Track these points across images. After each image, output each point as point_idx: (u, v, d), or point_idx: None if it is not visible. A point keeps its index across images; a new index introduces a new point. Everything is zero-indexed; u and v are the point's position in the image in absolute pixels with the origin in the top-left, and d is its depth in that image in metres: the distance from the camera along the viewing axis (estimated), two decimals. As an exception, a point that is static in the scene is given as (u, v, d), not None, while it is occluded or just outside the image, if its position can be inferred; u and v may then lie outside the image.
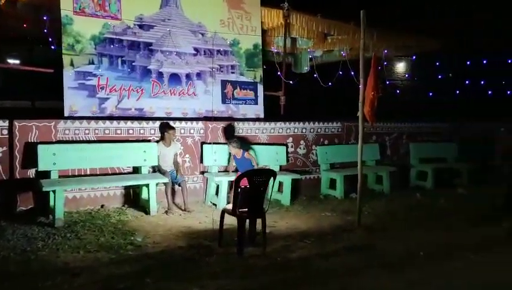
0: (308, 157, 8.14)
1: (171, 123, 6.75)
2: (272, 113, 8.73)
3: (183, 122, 6.97)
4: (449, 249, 5.12)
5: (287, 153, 7.79)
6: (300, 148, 8.03)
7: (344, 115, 8.43)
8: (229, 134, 7.20)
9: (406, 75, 20.08)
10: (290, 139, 7.92)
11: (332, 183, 7.92)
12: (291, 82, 9.10)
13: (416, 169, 9.08)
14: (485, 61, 10.84)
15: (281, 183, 7.32)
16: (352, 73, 6.41)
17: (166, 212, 6.29)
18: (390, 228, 5.96)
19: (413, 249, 5.06)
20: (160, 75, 7.36)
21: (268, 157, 7.52)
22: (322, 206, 7.16)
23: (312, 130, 8.16)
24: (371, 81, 5.73)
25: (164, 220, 6.01)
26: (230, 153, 6.83)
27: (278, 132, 7.81)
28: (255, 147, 7.34)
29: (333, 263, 4.51)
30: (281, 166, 7.63)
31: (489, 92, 11.45)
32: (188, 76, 7.57)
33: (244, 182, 4.72)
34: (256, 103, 8.31)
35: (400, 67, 20.00)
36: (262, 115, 8.36)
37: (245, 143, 7.11)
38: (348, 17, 8.42)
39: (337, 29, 8.90)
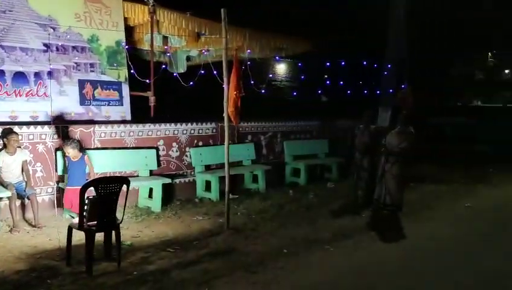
0: (182, 159, 7.85)
1: (17, 128, 5.92)
2: (143, 115, 8.24)
3: (32, 127, 6.16)
4: (310, 243, 5.27)
5: (158, 156, 7.41)
6: (173, 150, 7.70)
7: (218, 116, 8.32)
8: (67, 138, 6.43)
9: (288, 77, 20.96)
10: (161, 142, 7.54)
11: (208, 186, 7.76)
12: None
13: (291, 166, 9.37)
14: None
15: (152, 189, 6.94)
16: (215, 72, 6.31)
17: (11, 230, 5.49)
18: (260, 227, 5.97)
19: (277, 247, 5.11)
20: (1, 73, 6.43)
21: (136, 162, 7.08)
22: (195, 210, 6.95)
23: (185, 132, 7.89)
24: (233, 81, 5.66)
25: (5, 240, 5.22)
26: (65, 158, 6.15)
27: (148, 135, 7.39)
28: (117, 151, 6.84)
29: (192, 272, 4.30)
30: (151, 171, 7.24)
31: (349, 92, 12.38)
32: (37, 75, 6.74)
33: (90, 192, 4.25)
34: (122, 104, 7.76)
35: (281, 68, 20.88)
36: (128, 117, 7.83)
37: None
38: (219, 16, 8.32)
39: (209, 28, 8.73)
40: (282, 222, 6.19)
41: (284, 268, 4.47)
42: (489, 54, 35.80)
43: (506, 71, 40.85)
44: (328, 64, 9.82)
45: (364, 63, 10.05)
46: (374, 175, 6.99)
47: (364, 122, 7.31)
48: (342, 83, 11.12)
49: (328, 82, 11.53)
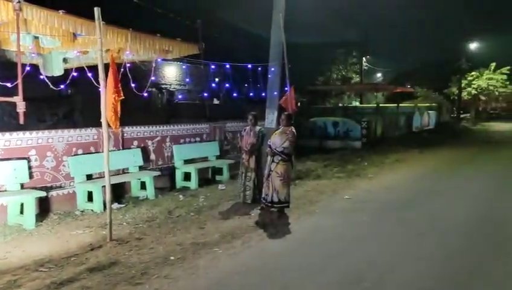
0: (59, 170, 7.21)
1: None
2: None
3: None
4: (198, 247, 5.21)
5: (30, 168, 6.70)
6: (47, 160, 7.03)
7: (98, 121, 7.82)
8: None
9: (179, 79, 20.67)
10: (33, 152, 6.84)
11: (90, 196, 7.24)
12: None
13: (181, 170, 9.21)
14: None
15: (23, 205, 6.25)
16: (90, 74, 5.92)
17: None
18: (147, 236, 5.73)
19: (164, 255, 4.95)
20: None
21: (3, 175, 6.31)
22: (75, 224, 6.43)
23: (61, 139, 7.26)
24: (110, 84, 5.36)
25: None
26: None
27: (16, 144, 6.64)
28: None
29: (68, 291, 3.95)
30: (22, 184, 6.52)
31: (252, 95, 12.70)
32: None
33: None
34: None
35: (171, 71, 20.52)
36: (-8, 125, 6.99)
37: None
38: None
39: (85, 28, 8.15)
40: (171, 228, 6.03)
41: (169, 276, 4.34)
42: (364, 58, 39.59)
43: (378, 74, 45.55)
44: (213, 67, 9.89)
45: (249, 66, 10.33)
46: (261, 175, 7.22)
47: (249, 124, 7.49)
48: (228, 85, 11.29)
49: (218, 85, 11.61)
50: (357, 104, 32.72)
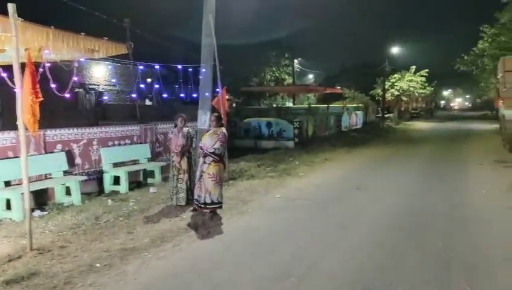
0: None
1: None
2: None
3: None
4: (127, 253, 5.07)
5: None
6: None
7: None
8: None
9: (108, 80, 19.89)
10: None
11: (9, 204, 6.77)
12: None
13: (110, 174, 8.89)
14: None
15: None
16: (5, 75, 5.55)
17: None
18: (71, 244, 5.46)
19: (89, 262, 4.77)
20: None
21: None
22: (-9, 235, 5.97)
23: (-26, 144, 6.71)
24: (27, 85, 5.05)
25: None
26: None
27: None
28: None
29: (-21, 308, 3.68)
30: None
31: (183, 96, 12.52)
32: None
33: None
34: None
35: (99, 71, 19.70)
36: None
37: None
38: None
39: (1, 25, 7.61)
40: (97, 235, 5.81)
41: (95, 283, 4.19)
42: (296, 60, 40.74)
43: (311, 76, 47.09)
44: (141, 67, 9.66)
45: (179, 67, 10.22)
46: (194, 176, 7.18)
47: (177, 125, 7.42)
48: (160, 86, 11.08)
49: (150, 86, 11.35)
50: (290, 104, 33.61)
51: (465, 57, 28.54)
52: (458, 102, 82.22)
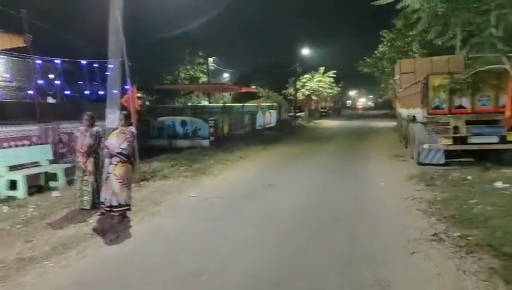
0: None
1: None
2: None
3: None
4: (24, 263, 4.67)
5: None
6: None
7: None
8: None
9: (3, 75, 18.12)
10: None
11: None
12: None
13: (5, 178, 8.12)
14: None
15: None
16: None
17: None
18: (-43, 257, 4.89)
19: (-21, 277, 4.30)
20: None
21: None
22: None
23: None
24: None
25: None
26: None
27: None
28: None
29: None
30: None
31: (88, 93, 11.82)
32: None
33: None
34: None
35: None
36: None
37: None
38: None
39: None
40: (-11, 246, 5.26)
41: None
42: (211, 59, 40.67)
43: (226, 74, 47.32)
44: (39, 62, 8.92)
45: (84, 62, 9.65)
46: (101, 178, 6.81)
47: (84, 124, 7.00)
48: (66, 83, 10.36)
49: (53, 82, 10.54)
50: (206, 103, 33.47)
51: (367, 60, 30.78)
52: (362, 102, 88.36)
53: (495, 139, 9.49)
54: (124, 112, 6.71)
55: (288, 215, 6.80)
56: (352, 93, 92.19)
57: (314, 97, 40.62)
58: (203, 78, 36.90)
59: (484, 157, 10.05)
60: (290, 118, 34.26)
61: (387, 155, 13.21)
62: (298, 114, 36.38)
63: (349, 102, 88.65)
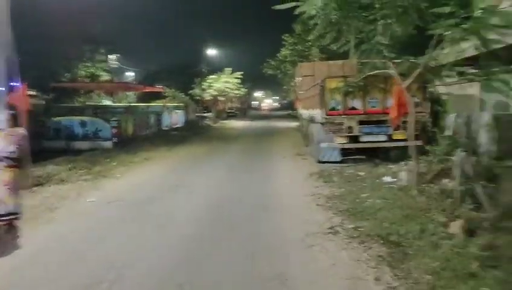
0: None
1: None
2: None
3: None
4: None
5: None
6: None
7: None
8: None
9: None
10: None
11: None
12: None
13: None
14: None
15: None
16: None
17: None
18: None
19: None
20: None
21: None
22: None
23: None
24: None
25: None
26: None
27: None
28: None
29: None
30: None
31: None
32: None
33: None
34: None
35: None
36: None
37: None
38: None
39: None
40: None
41: None
42: (114, 56, 38.78)
43: (131, 73, 45.51)
44: None
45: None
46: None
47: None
48: None
49: None
50: (109, 103, 31.83)
51: (271, 62, 31.84)
52: (268, 103, 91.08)
53: (383, 137, 10.48)
54: (12, 112, 6.10)
55: (194, 215, 6.78)
56: (258, 94, 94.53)
57: (221, 98, 40.87)
58: (106, 77, 35.04)
59: (374, 155, 11.01)
60: (197, 118, 34.07)
61: (290, 154, 13.82)
62: (205, 114, 36.34)
63: (255, 103, 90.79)
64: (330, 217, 6.34)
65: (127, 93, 35.10)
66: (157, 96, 34.21)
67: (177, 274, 4.46)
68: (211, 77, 39.19)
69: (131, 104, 27.69)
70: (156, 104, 28.85)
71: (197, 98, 38.48)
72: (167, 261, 4.83)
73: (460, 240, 4.75)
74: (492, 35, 5.97)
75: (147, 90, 31.88)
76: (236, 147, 17.26)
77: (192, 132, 24.23)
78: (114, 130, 16.63)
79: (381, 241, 5.10)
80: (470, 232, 4.98)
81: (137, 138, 18.34)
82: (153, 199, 7.93)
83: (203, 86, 36.56)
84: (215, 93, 38.54)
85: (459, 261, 4.21)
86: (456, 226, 5.15)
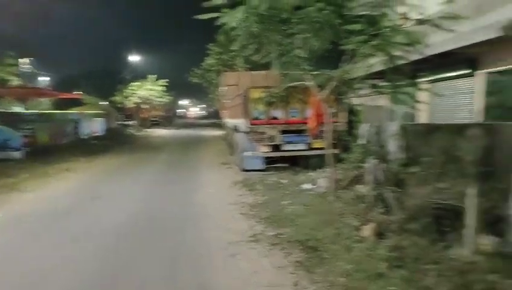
0: None
1: None
2: None
3: None
4: None
5: None
6: None
7: None
8: None
9: None
10: None
11: None
12: None
13: None
14: None
15: None
16: None
17: None
18: None
19: None
20: None
21: None
22: None
23: None
24: None
25: None
26: None
27: None
28: None
29: None
30: None
31: None
32: None
33: None
34: None
35: None
36: None
37: None
38: None
39: None
40: None
41: None
42: (26, 60, 36.15)
43: (45, 78, 42.68)
44: None
45: None
46: None
47: None
48: None
49: None
50: (21, 110, 29.48)
51: (197, 71, 31.71)
52: (194, 111, 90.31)
53: (303, 146, 10.91)
54: None
55: (114, 228, 6.53)
56: (185, 102, 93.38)
57: (145, 105, 39.76)
58: (16, 82, 32.47)
59: (296, 163, 11.41)
60: (119, 126, 32.80)
61: (216, 163, 13.84)
62: (128, 123, 35.12)
63: (181, 111, 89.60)
64: (253, 225, 6.45)
65: (41, 99, 32.84)
66: (76, 103, 32.42)
67: (92, 288, 4.26)
68: (134, 84, 38.01)
69: (46, 112, 25.93)
70: (75, 111, 27.31)
71: (120, 105, 37.08)
72: (83, 276, 4.61)
73: (371, 243, 5.08)
74: (397, 52, 6.52)
75: (63, 97, 30.05)
76: (161, 157, 16.88)
77: (114, 141, 23.25)
78: (26, 140, 15.45)
79: (301, 247, 5.30)
80: (380, 234, 5.36)
81: (53, 148, 17.20)
82: (68, 212, 7.52)
83: (125, 93, 35.33)
84: (139, 100, 37.45)
85: (369, 263, 4.51)
86: (368, 230, 5.51)
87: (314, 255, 4.99)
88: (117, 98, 37.51)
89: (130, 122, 36.12)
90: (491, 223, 5.29)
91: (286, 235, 5.82)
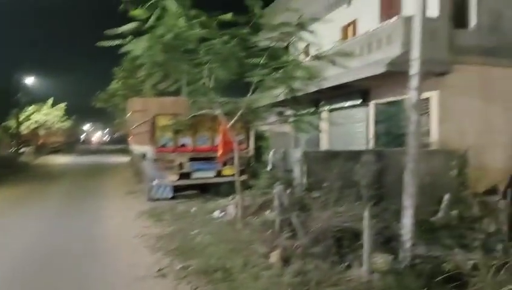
0: None
1: None
2: None
3: None
4: None
5: None
6: None
7: None
8: None
9: None
10: None
11: None
12: None
13: None
14: None
15: None
16: None
17: None
18: None
19: None
20: None
21: None
22: None
23: None
24: None
25: None
26: None
27: None
28: None
29: None
30: None
31: None
32: None
33: None
34: None
35: None
36: None
37: None
38: None
39: None
40: None
41: None
42: None
43: None
44: None
45: None
46: None
47: None
48: None
49: None
50: None
51: (102, 95, 30.38)
52: (98, 136, 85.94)
53: (212, 173, 10.93)
54: None
55: (5, 270, 5.86)
56: (87, 126, 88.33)
57: (42, 131, 36.87)
58: None
59: (206, 190, 11.36)
60: (12, 154, 29.85)
61: (121, 192, 13.21)
62: (23, 150, 32.15)
63: (84, 136, 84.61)
64: (159, 259, 6.23)
65: None
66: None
67: None
68: (30, 108, 35.11)
69: None
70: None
71: (14, 131, 33.88)
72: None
73: (278, 269, 5.21)
74: (297, 85, 6.93)
75: None
76: (61, 187, 15.64)
77: (5, 171, 21.03)
78: None
79: (208, 279, 5.23)
80: (287, 260, 5.52)
81: None
82: None
83: (20, 118, 32.41)
84: (35, 125, 34.62)
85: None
86: (275, 256, 5.64)
87: (222, 286, 4.96)
88: (10, 123, 34.25)
89: (26, 149, 33.10)
90: (385, 242, 5.77)
91: (194, 266, 5.71)
